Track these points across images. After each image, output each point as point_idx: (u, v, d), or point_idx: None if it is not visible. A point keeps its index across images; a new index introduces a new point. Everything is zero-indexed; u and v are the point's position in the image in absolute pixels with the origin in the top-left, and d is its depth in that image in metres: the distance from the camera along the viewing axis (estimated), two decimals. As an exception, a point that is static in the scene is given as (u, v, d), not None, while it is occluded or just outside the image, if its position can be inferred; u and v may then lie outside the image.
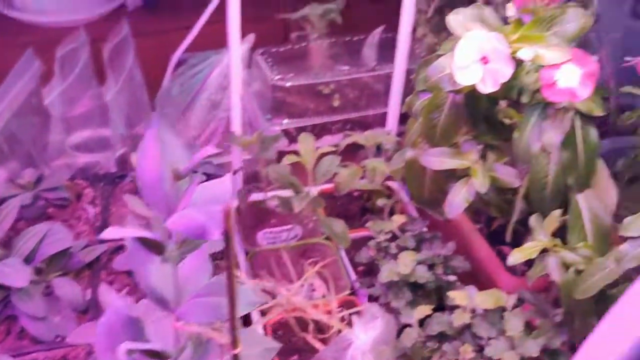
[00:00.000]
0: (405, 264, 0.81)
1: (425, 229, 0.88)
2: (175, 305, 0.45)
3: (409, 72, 1.04)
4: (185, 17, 1.24)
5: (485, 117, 0.79)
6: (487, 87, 0.64)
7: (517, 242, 0.76)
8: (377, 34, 1.10)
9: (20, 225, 0.85)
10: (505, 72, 0.62)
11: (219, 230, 0.38)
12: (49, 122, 1.00)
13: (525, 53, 0.62)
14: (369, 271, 0.91)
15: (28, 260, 0.77)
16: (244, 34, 0.96)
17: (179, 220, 0.39)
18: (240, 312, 0.43)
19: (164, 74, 1.23)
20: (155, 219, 0.41)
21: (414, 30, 1.13)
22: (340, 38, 1.10)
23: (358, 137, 0.99)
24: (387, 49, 1.12)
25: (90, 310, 0.78)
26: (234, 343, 0.43)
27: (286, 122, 1.05)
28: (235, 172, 0.99)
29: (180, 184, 0.42)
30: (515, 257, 0.64)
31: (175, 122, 1.06)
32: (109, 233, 0.38)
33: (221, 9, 1.11)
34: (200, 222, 0.38)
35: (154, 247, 0.41)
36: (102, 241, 0.87)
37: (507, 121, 0.80)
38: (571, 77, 0.62)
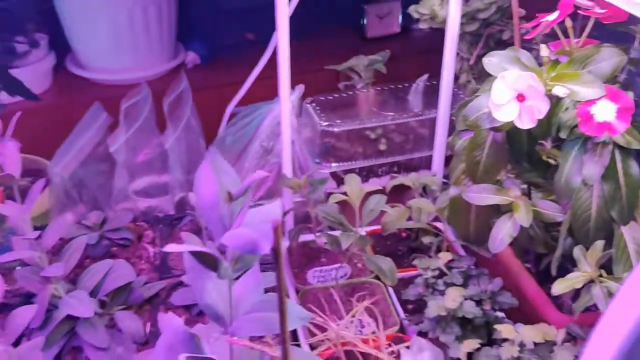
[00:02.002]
0: (453, 299, 0.82)
1: (472, 266, 0.89)
2: (229, 320, 0.48)
3: (453, 118, 1.08)
4: (239, 73, 1.33)
5: (528, 156, 0.81)
6: (524, 124, 0.67)
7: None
8: (421, 81, 1.15)
9: (86, 263, 0.91)
10: (541, 108, 0.65)
11: (269, 245, 0.42)
12: (114, 169, 1.08)
13: (560, 90, 0.65)
14: (418, 309, 0.92)
15: (93, 293, 0.82)
16: (293, 85, 1.03)
17: (232, 236, 0.43)
18: (290, 326, 0.46)
19: (219, 125, 1.31)
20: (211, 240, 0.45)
21: (458, 77, 1.17)
22: (386, 86, 1.16)
23: (404, 179, 1.02)
24: (431, 96, 1.16)
25: (150, 343, 0.82)
26: (285, 356, 0.45)
27: (334, 166, 1.09)
28: (286, 214, 1.03)
29: (234, 206, 0.46)
30: (560, 286, 0.65)
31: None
32: (171, 247, 0.42)
33: (271, 66, 1.19)
34: (252, 238, 0.42)
35: (210, 262, 0.45)
36: (162, 278, 0.92)
37: (551, 162, 0.82)
38: (607, 112, 0.64)
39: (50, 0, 1.46)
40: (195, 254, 0.45)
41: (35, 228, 0.78)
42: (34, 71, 1.43)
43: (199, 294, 0.48)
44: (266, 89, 1.22)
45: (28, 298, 0.84)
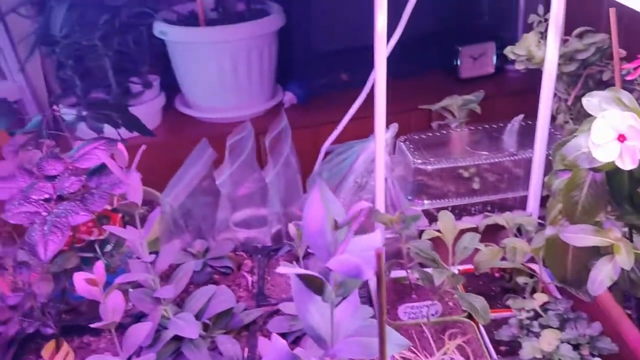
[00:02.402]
0: (549, 342, 0.81)
1: (569, 309, 0.88)
2: (330, 343, 0.51)
3: (549, 158, 1.07)
4: (334, 113, 1.39)
5: (629, 198, 0.80)
6: (626, 164, 0.66)
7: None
8: (516, 121, 1.15)
9: (190, 288, 0.97)
10: (644, 148, 0.65)
11: (371, 270, 0.45)
12: (217, 201, 1.15)
13: (664, 129, 0.64)
14: (511, 351, 0.91)
15: (197, 317, 0.87)
16: (387, 124, 1.07)
17: (338, 261, 0.46)
18: (389, 351, 0.48)
19: (314, 161, 1.37)
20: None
21: (555, 117, 1.17)
22: (480, 126, 1.17)
23: (498, 218, 1.02)
24: (526, 136, 1.16)
25: (246, 367, 0.86)
26: (381, 380, 0.48)
27: (427, 203, 1.11)
28: (378, 249, 1.05)
29: (339, 234, 0.50)
30: (664, 332, 0.63)
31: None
32: (282, 269, 0.46)
33: (365, 106, 1.24)
34: (356, 264, 0.45)
35: (316, 286, 0.48)
36: (259, 306, 0.97)
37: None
38: None
39: (163, 45, 1.60)
40: (302, 277, 0.48)
41: (148, 253, 0.85)
42: (146, 110, 1.55)
43: (303, 316, 0.52)
44: (359, 128, 1.26)
45: (138, 318, 0.91)
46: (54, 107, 1.14)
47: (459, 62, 1.83)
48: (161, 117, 1.64)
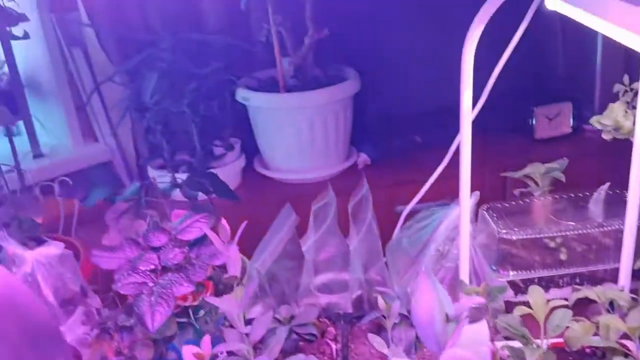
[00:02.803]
0: None
1: (670, 394, 0.84)
2: None
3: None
4: (407, 174, 1.40)
5: None
6: None
7: None
8: (603, 190, 1.13)
9: (278, 356, 0.99)
10: None
11: (487, 367, 0.45)
12: (300, 265, 1.17)
13: None
14: None
15: (287, 387, 0.89)
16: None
17: (451, 356, 0.47)
18: None
19: (388, 222, 1.37)
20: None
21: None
22: (565, 194, 1.15)
23: (589, 292, 0.99)
24: (614, 205, 1.14)
25: None
26: None
27: (512, 274, 1.10)
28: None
29: (450, 326, 0.50)
30: None
31: (405, 270, 1.16)
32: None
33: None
34: None
35: (428, 378, 0.49)
36: (344, 375, 0.97)
37: None
38: None
39: (245, 111, 1.67)
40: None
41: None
42: (228, 171, 1.62)
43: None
44: (434, 189, 1.27)
45: (227, 386, 0.93)
46: (151, 175, 1.21)
47: (534, 122, 1.82)
48: (241, 178, 1.70)
